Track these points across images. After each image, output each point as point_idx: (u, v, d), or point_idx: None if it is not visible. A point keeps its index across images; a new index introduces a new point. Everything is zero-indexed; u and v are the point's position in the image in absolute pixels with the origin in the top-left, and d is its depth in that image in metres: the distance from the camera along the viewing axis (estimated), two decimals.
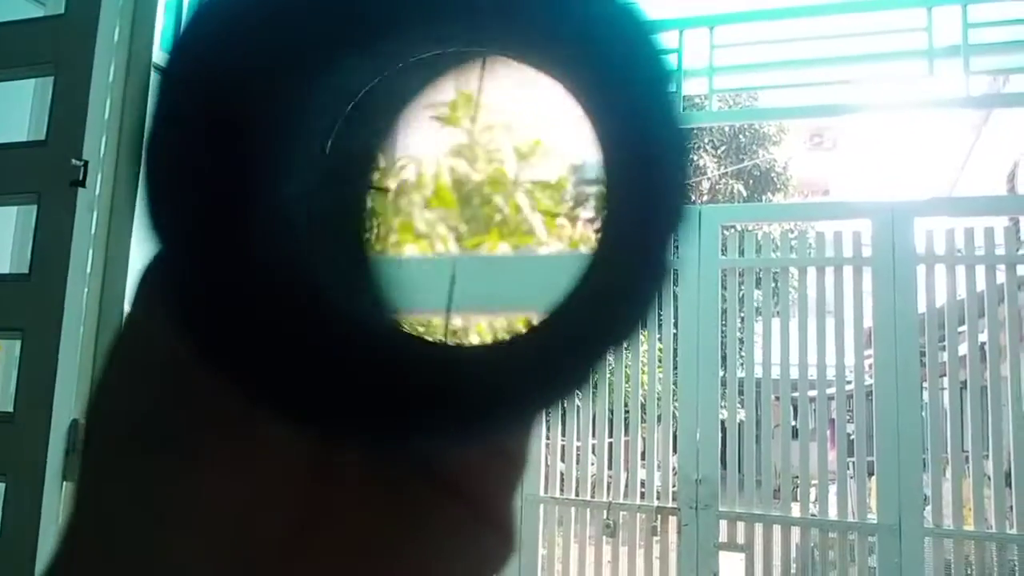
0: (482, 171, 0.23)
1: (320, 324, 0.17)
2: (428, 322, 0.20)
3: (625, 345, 0.17)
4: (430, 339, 0.18)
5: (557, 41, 0.17)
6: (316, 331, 0.17)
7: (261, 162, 0.17)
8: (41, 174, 1.55)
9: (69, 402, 1.49)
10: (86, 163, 1.52)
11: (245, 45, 0.16)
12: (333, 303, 0.18)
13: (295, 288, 0.17)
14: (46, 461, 1.45)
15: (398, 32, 0.17)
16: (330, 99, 0.19)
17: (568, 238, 0.22)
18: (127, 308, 0.21)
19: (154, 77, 1.69)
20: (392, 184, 0.22)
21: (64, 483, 1.48)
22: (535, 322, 0.18)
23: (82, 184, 1.51)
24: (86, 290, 1.54)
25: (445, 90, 0.21)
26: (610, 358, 0.17)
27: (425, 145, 0.23)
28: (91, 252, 1.56)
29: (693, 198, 0.18)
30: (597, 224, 0.18)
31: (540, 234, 0.22)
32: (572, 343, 0.17)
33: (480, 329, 0.20)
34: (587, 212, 0.19)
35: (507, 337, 0.18)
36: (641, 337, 0.17)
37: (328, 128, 0.20)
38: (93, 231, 1.56)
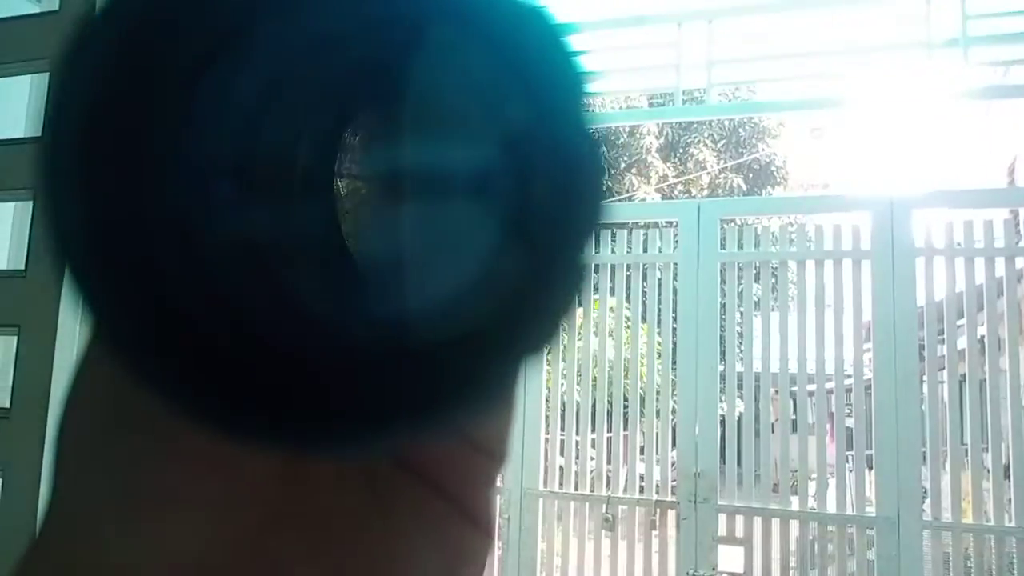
0: None
1: (274, 327, 0.17)
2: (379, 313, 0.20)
3: (546, 350, 0.17)
4: (383, 333, 0.18)
5: (465, 37, 0.17)
6: (268, 338, 0.17)
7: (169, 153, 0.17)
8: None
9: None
10: None
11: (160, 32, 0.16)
12: (286, 300, 0.17)
13: (246, 290, 0.17)
14: (42, 457, 1.45)
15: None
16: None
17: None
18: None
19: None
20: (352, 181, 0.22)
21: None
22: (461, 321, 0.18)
23: None
24: None
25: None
26: (529, 363, 0.17)
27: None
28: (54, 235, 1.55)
29: (608, 197, 0.18)
30: (515, 225, 0.18)
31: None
32: (493, 346, 0.17)
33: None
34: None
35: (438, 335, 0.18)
36: (561, 338, 0.17)
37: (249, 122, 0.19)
38: None
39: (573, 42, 0.17)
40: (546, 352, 0.17)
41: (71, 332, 1.52)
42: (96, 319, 0.16)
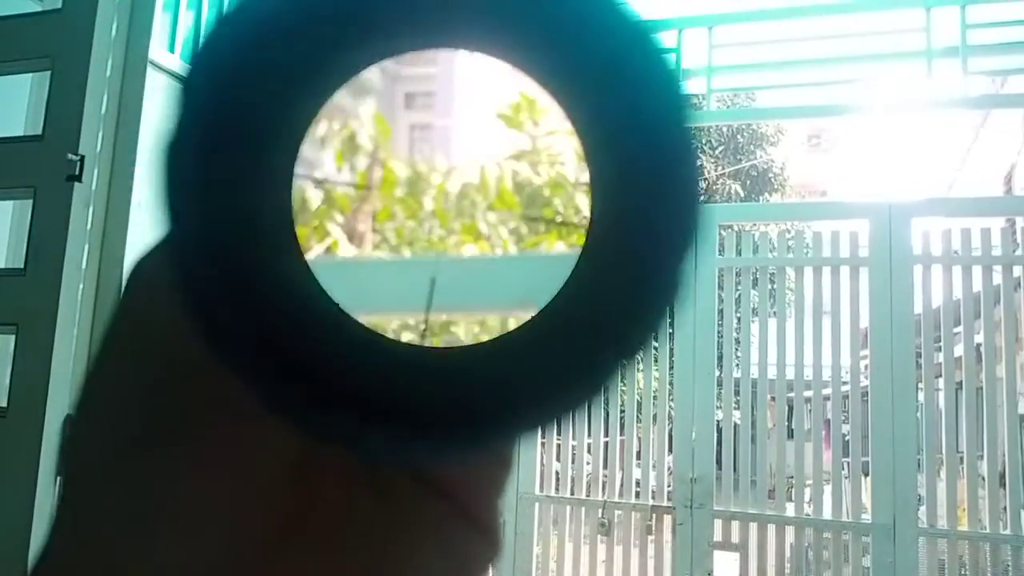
0: (544, 174, 0.24)
1: (322, 327, 0.17)
2: (423, 328, 0.20)
3: (633, 362, 0.17)
4: (427, 346, 0.18)
5: (546, 41, 0.17)
6: (317, 334, 0.17)
7: (277, 166, 0.17)
8: (37, 169, 1.54)
9: (63, 397, 1.49)
10: (82, 158, 1.52)
11: (261, 54, 0.17)
12: (334, 310, 0.18)
13: (301, 290, 0.17)
14: (40, 456, 1.45)
15: (389, 30, 0.18)
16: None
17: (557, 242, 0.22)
18: (120, 300, 0.20)
19: (167, 81, 1.69)
20: (455, 186, 0.23)
21: (58, 479, 1.48)
22: (535, 330, 0.18)
23: (78, 179, 1.51)
24: (81, 285, 1.53)
25: (502, 90, 0.22)
26: (617, 376, 0.17)
27: (487, 146, 0.23)
28: (86, 247, 1.55)
29: (705, 202, 0.18)
30: (596, 230, 0.17)
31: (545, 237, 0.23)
32: (577, 358, 0.17)
33: (477, 335, 0.20)
34: (579, 217, 0.19)
35: (507, 345, 0.18)
36: (650, 353, 0.17)
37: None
38: (89, 226, 1.56)
39: (661, 38, 0.17)
40: (626, 367, 0.17)
41: (69, 332, 1.52)
42: (196, 305, 0.17)
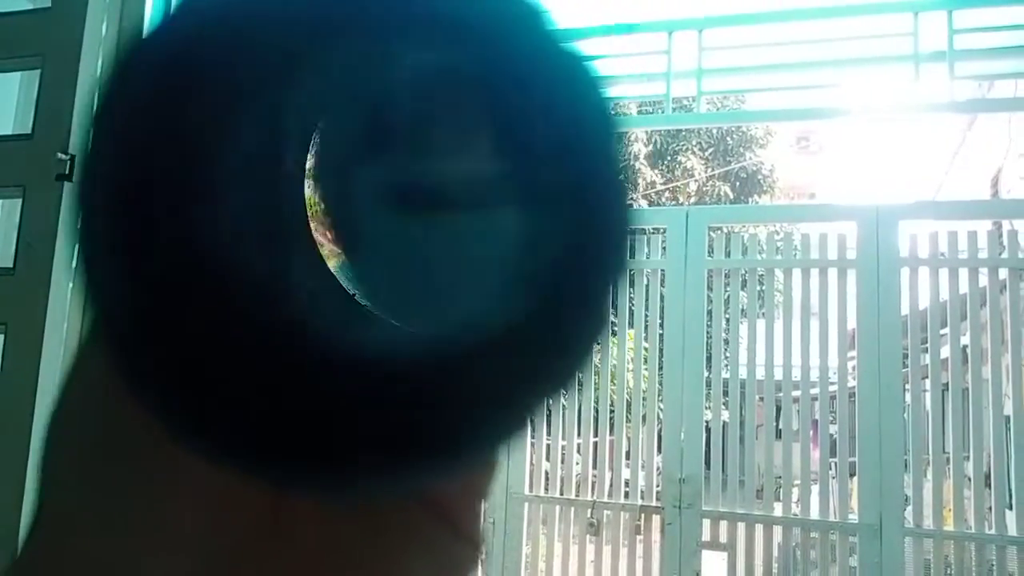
0: None
1: (277, 356, 0.17)
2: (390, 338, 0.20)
3: (563, 390, 0.17)
4: (392, 366, 0.17)
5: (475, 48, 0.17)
6: (266, 371, 0.16)
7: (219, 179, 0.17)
8: (27, 168, 1.53)
9: (52, 397, 1.48)
10: (72, 157, 1.51)
11: (213, 55, 0.16)
12: (296, 334, 0.17)
13: (242, 328, 0.17)
14: (28, 456, 1.44)
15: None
16: (295, 115, 0.18)
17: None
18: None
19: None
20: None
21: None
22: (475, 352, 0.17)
23: (68, 178, 1.50)
24: (71, 285, 1.53)
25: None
26: (551, 398, 0.17)
27: None
28: (77, 247, 1.54)
29: (631, 236, 0.18)
30: (534, 260, 0.17)
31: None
32: (525, 378, 0.17)
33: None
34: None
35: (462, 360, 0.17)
36: (581, 382, 0.17)
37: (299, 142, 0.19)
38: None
39: (601, 75, 0.17)
40: (564, 393, 0.17)
41: (59, 331, 1.51)
42: (107, 332, 0.16)
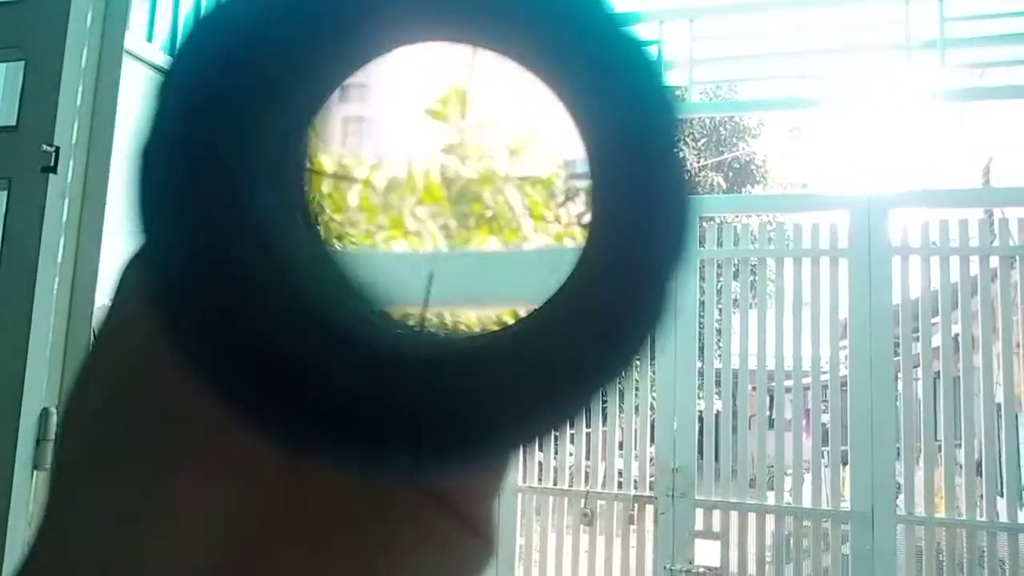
0: (472, 168, 0.23)
1: (305, 333, 0.17)
2: (414, 330, 0.20)
3: (621, 377, 0.17)
4: (419, 353, 0.18)
5: (538, 34, 0.17)
6: (300, 340, 0.17)
7: (255, 168, 0.17)
8: (11, 160, 1.52)
9: (39, 391, 1.47)
10: (57, 149, 1.49)
11: (245, 52, 0.16)
12: (321, 312, 0.17)
13: (281, 293, 0.17)
14: (15, 450, 1.43)
15: (383, 22, 0.17)
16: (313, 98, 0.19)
17: (558, 237, 0.22)
18: (107, 301, 0.20)
19: (144, 71, 1.66)
20: (382, 181, 0.22)
21: (34, 472, 1.46)
22: (532, 336, 0.17)
23: (53, 170, 1.48)
24: (57, 278, 1.51)
25: (434, 84, 0.21)
26: (615, 383, 0.17)
27: (416, 140, 0.23)
28: (62, 240, 1.53)
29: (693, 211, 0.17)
30: (590, 236, 0.17)
31: (528, 232, 0.22)
32: (575, 367, 0.17)
33: (465, 330, 0.20)
34: (578, 211, 0.19)
35: (503, 353, 0.17)
36: (638, 364, 0.16)
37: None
38: (64, 218, 1.53)
39: (641, 32, 0.17)
40: (613, 387, 0.17)
41: (45, 325, 1.50)
42: (154, 277, 0.17)
